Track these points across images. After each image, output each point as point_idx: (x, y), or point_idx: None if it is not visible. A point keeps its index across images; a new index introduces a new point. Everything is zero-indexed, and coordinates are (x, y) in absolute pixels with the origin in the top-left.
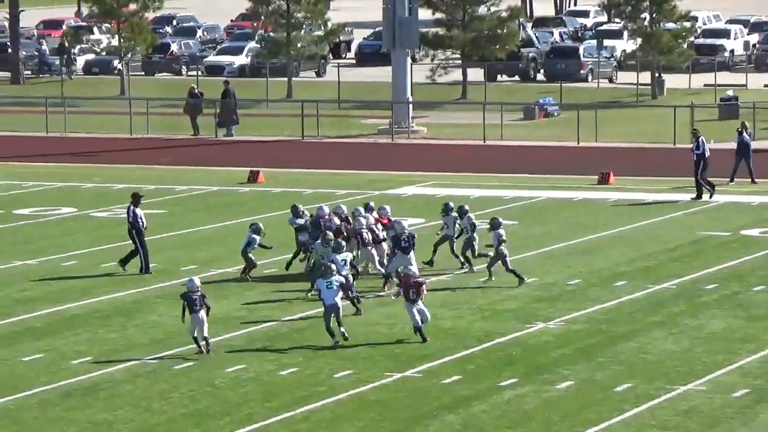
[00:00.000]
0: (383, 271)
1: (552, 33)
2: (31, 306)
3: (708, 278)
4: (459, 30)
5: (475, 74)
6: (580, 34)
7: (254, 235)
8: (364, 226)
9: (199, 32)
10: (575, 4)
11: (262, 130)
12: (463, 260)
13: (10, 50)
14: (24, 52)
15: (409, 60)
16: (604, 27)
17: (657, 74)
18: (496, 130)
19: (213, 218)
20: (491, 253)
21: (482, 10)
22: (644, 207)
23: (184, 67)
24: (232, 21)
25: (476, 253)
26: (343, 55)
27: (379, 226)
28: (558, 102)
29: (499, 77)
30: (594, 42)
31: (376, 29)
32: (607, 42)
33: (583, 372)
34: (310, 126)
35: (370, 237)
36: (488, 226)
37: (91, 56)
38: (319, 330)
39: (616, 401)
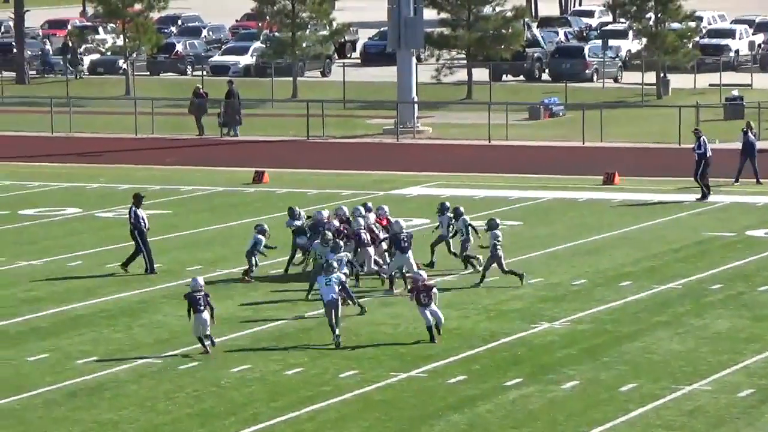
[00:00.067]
0: (375, 268)
1: (557, 33)
2: (37, 306)
3: (713, 278)
4: (464, 30)
5: (480, 74)
6: (585, 34)
7: (259, 236)
8: (363, 227)
9: (204, 32)
10: (580, 4)
11: (267, 130)
12: (465, 263)
13: (15, 50)
14: (29, 52)
15: (414, 60)
16: (609, 27)
17: (662, 74)
18: (501, 130)
19: (218, 218)
20: (480, 256)
21: (487, 10)
22: (649, 207)
23: (189, 67)
24: (237, 21)
25: (468, 254)
26: (348, 55)
27: (378, 226)
28: (563, 102)
29: (504, 77)
30: (599, 42)
31: (381, 29)
32: (612, 42)
33: (588, 372)
34: (315, 126)
35: (369, 237)
36: (485, 226)
37: (96, 56)
38: (324, 330)
39: (622, 401)
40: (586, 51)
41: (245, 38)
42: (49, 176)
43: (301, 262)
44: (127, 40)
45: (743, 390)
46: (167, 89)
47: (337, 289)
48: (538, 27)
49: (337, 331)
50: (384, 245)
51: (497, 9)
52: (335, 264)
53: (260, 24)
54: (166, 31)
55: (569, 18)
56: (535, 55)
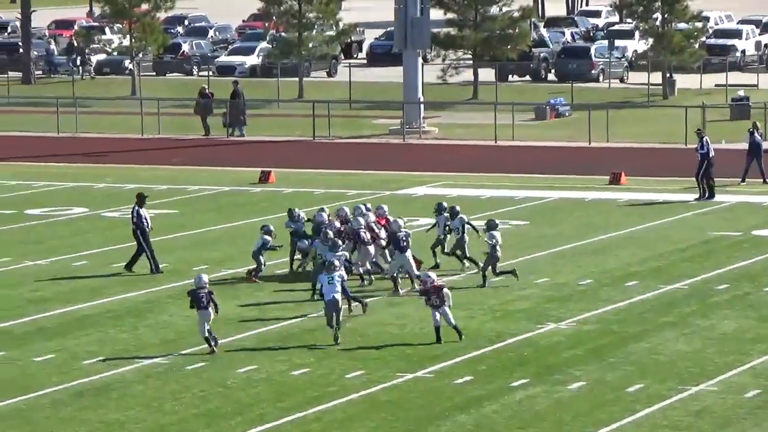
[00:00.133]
0: (369, 269)
1: (563, 33)
2: (43, 306)
3: (719, 278)
4: (470, 30)
5: (487, 74)
6: (591, 35)
7: (267, 237)
8: (363, 225)
9: (211, 32)
10: (587, 5)
11: (273, 130)
12: (438, 261)
13: (21, 50)
14: (35, 52)
15: (420, 60)
16: (616, 27)
17: (668, 74)
18: (507, 131)
19: (224, 218)
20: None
21: (494, 10)
22: (655, 207)
23: (195, 67)
24: (243, 21)
25: (467, 255)
26: (355, 56)
27: (379, 225)
28: (569, 102)
29: (510, 77)
30: (605, 42)
31: (388, 29)
32: (618, 42)
33: (594, 372)
34: (321, 126)
35: (369, 236)
36: (484, 227)
37: (102, 56)
38: (330, 330)
39: (628, 402)
40: (592, 51)
41: (251, 38)
42: (55, 176)
43: (300, 266)
44: (133, 40)
45: (750, 391)
46: (173, 89)
47: (339, 288)
48: (544, 27)
49: (336, 327)
50: (383, 243)
51: (504, 9)
52: (336, 262)
53: (267, 24)
54: (172, 31)
55: (576, 18)
56: (542, 55)
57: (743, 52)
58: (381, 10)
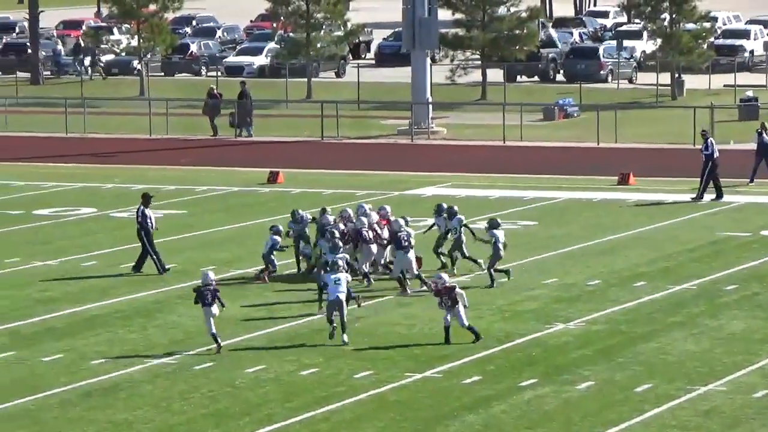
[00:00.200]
0: (369, 269)
1: (572, 33)
2: (51, 306)
3: (728, 279)
4: (479, 30)
5: (495, 75)
6: (599, 35)
7: (276, 237)
8: (365, 225)
9: (219, 33)
10: (595, 5)
11: (281, 130)
12: (444, 260)
13: (29, 51)
14: (43, 53)
15: (428, 60)
16: (624, 27)
17: (677, 75)
18: (515, 131)
19: (233, 219)
20: (480, 260)
21: (502, 10)
22: (664, 207)
23: (203, 67)
24: (251, 21)
25: (465, 255)
26: (363, 56)
27: (381, 225)
28: (578, 103)
29: (518, 78)
30: (614, 42)
31: (396, 30)
32: (626, 42)
33: (603, 372)
34: (329, 126)
35: (371, 235)
36: (486, 225)
37: (110, 57)
38: (337, 331)
39: (637, 402)
40: (600, 52)
41: (260, 39)
42: (64, 176)
43: (309, 272)
44: (141, 40)
45: (758, 391)
46: (182, 90)
47: (344, 288)
48: (553, 27)
49: (344, 336)
50: (385, 243)
51: (512, 10)
52: (340, 263)
53: (275, 25)
54: (180, 31)
55: (584, 18)
56: (550, 55)
57: (752, 52)
58: (389, 11)
